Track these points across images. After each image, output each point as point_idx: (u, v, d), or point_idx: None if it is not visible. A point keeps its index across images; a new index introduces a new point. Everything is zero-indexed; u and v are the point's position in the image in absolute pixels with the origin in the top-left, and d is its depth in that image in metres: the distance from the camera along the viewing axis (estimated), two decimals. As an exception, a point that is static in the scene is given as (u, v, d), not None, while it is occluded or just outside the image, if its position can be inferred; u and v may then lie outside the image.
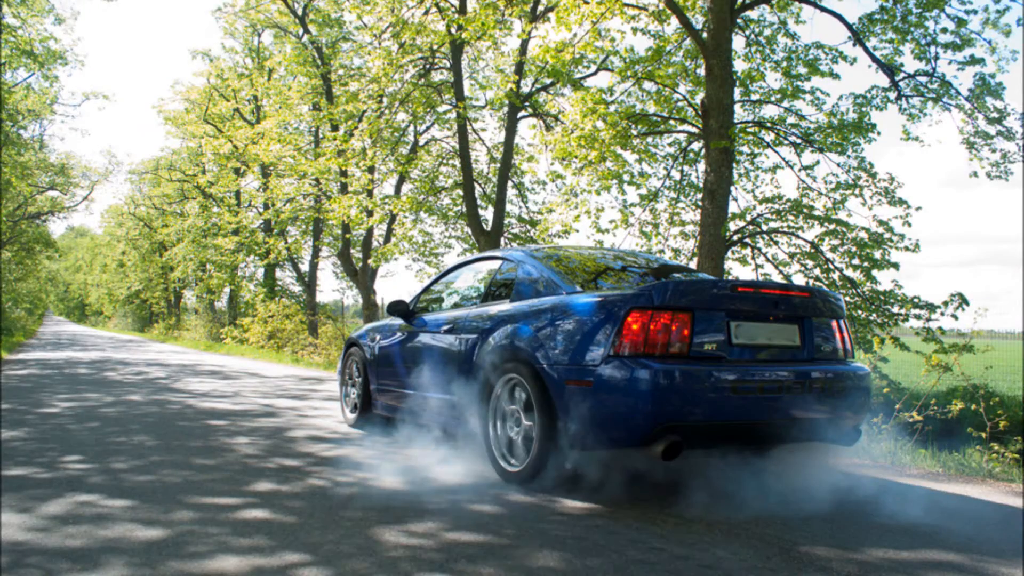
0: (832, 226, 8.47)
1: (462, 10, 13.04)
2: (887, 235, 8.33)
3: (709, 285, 3.94)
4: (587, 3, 8.65)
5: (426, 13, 13.47)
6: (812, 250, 8.54)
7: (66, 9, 47.54)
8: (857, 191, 9.03)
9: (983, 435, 5.20)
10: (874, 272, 8.22)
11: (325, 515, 3.39)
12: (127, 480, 4.01)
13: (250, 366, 14.54)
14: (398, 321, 5.79)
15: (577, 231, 11.72)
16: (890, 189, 8.91)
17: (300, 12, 18.10)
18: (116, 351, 19.14)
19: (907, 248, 8.28)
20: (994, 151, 8.96)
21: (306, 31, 17.96)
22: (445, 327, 5.03)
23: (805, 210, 8.64)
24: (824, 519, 3.56)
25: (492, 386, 4.32)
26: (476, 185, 15.43)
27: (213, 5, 48.61)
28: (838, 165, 9.37)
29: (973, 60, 8.74)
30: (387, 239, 17.83)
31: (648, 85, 10.37)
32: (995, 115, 8.77)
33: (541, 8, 12.78)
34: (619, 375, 3.55)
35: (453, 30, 12.21)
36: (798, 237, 8.68)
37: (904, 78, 9.24)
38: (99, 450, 4.87)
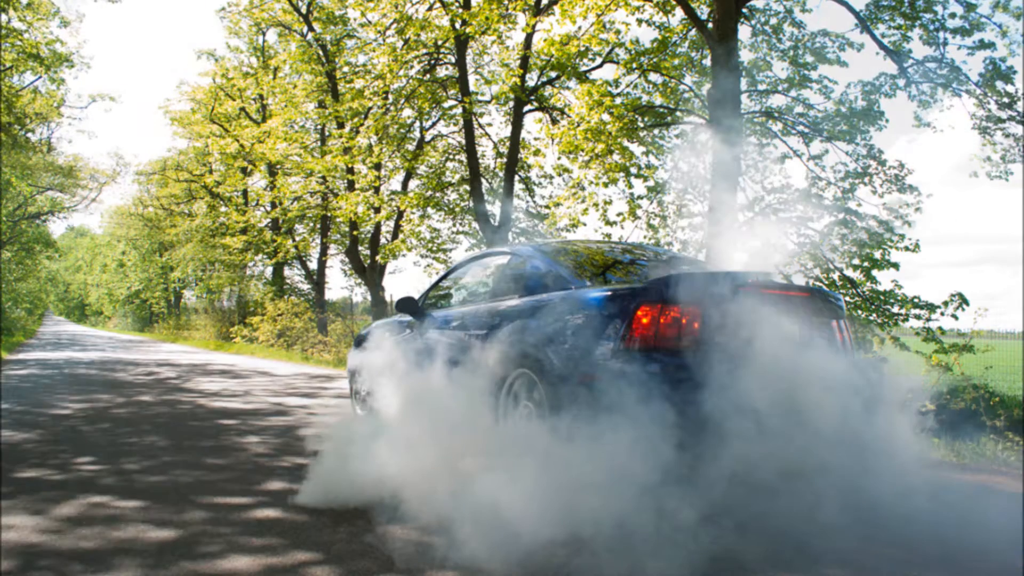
0: (842, 215, 8.42)
1: (466, 5, 13.00)
2: (887, 235, 8.30)
3: (719, 278, 3.90)
4: (591, -5, 8.61)
5: (430, 9, 13.43)
6: (812, 249, 8.51)
7: (71, 12, 47.71)
8: (867, 179, 8.97)
9: (993, 425, 5.16)
10: (874, 272, 8.18)
11: (336, 514, 3.39)
12: (139, 481, 4.02)
13: (260, 365, 14.59)
14: (407, 318, 5.78)
15: (585, 224, 11.68)
16: (900, 176, 8.85)
17: (304, 10, 18.09)
18: (125, 351, 19.23)
19: (907, 248, 8.24)
20: (1007, 136, 8.88)
21: (311, 29, 17.94)
22: (454, 323, 5.01)
23: (815, 200, 8.60)
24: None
25: (502, 381, 4.31)
26: (483, 180, 15.39)
27: (217, 5, 48.67)
28: (847, 154, 9.31)
29: (983, 44, 8.66)
30: (395, 235, 17.82)
31: (654, 77, 10.32)
32: (1006, 100, 8.69)
33: (545, 1, 12.72)
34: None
35: (457, 25, 12.17)
36: (808, 227, 8.64)
37: (912, 64, 9.16)
38: (111, 451, 4.89)
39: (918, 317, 7.80)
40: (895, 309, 7.95)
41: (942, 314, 7.53)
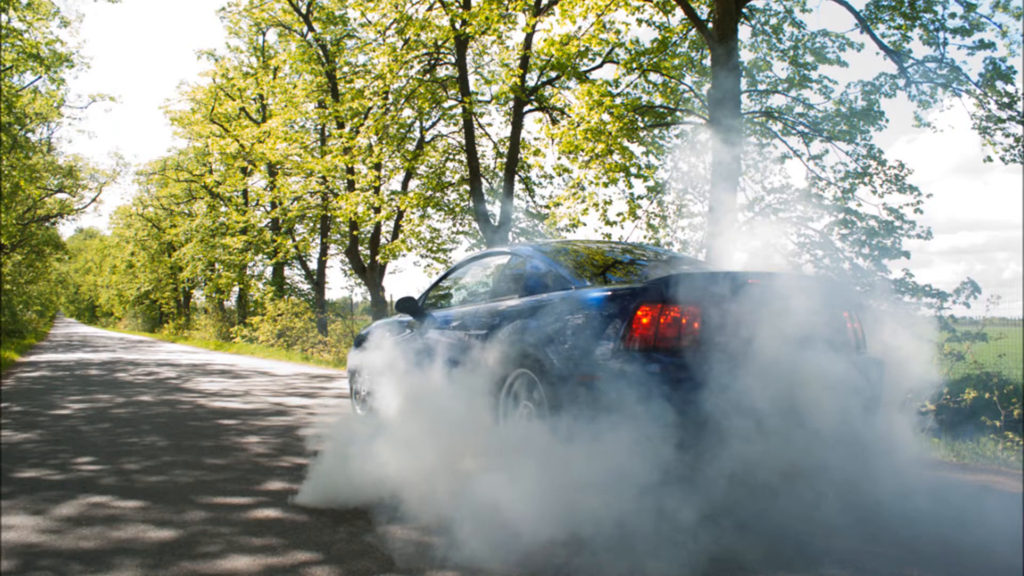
0: (842, 215, 8.42)
1: (466, 5, 13.00)
2: (897, 223, 8.28)
3: (719, 278, 3.90)
4: (591, -5, 8.60)
5: (430, 8, 13.43)
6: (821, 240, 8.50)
7: (71, 12, 47.69)
8: (867, 179, 8.98)
9: (993, 425, 5.16)
10: (885, 261, 8.16)
11: (336, 514, 3.39)
12: (139, 481, 4.02)
13: (260, 365, 14.58)
14: (407, 318, 5.78)
15: (585, 224, 11.67)
16: (900, 176, 8.85)
17: (304, 10, 18.09)
18: (126, 352, 19.24)
19: (919, 236, 8.22)
20: (1007, 135, 8.88)
21: (311, 29, 17.94)
22: (454, 323, 5.01)
23: (815, 200, 8.60)
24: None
25: (501, 381, 4.30)
26: (483, 180, 15.39)
27: (217, 5, 48.62)
28: (847, 154, 9.31)
29: (983, 44, 8.66)
30: (395, 235, 17.82)
31: (654, 77, 10.32)
32: (1006, 100, 8.68)
33: (545, 2, 12.72)
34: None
35: (457, 25, 12.17)
36: (808, 227, 8.64)
37: (912, 64, 9.16)
38: (111, 451, 4.89)
39: (930, 306, 7.75)
40: (907, 298, 7.91)
41: (954, 302, 7.46)
